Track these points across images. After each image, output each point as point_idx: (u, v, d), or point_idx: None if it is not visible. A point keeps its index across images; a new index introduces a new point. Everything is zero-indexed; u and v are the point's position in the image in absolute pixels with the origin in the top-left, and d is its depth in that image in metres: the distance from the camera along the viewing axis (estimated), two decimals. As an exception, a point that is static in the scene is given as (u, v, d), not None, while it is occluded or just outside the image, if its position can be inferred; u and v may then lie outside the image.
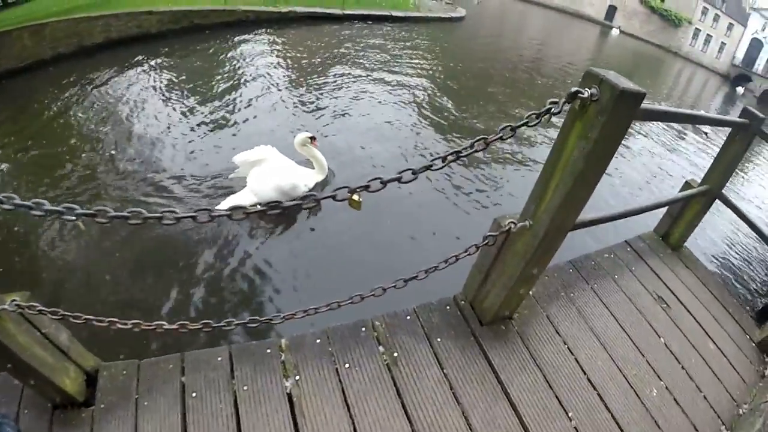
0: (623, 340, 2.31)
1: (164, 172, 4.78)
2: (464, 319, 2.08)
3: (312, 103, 7.15)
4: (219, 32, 9.97)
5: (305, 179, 4.77)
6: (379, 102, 7.60)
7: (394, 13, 14.51)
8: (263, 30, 10.68)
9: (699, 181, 3.05)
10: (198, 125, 5.91)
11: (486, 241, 1.66)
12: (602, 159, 1.48)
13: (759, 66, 41.96)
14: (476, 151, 1.29)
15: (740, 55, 42.49)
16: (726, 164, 2.84)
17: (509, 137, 1.31)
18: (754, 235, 3.13)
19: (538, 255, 1.71)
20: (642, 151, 8.74)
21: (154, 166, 4.89)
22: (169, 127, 5.74)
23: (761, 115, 2.61)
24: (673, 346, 2.42)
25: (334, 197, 1.16)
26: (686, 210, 3.13)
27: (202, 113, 6.26)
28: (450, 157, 1.28)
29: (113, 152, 5.10)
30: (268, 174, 4.47)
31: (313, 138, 4.82)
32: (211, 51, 9.05)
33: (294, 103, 7.04)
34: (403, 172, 1.22)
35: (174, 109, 6.29)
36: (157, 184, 4.58)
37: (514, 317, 2.13)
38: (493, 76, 11.29)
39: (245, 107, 6.63)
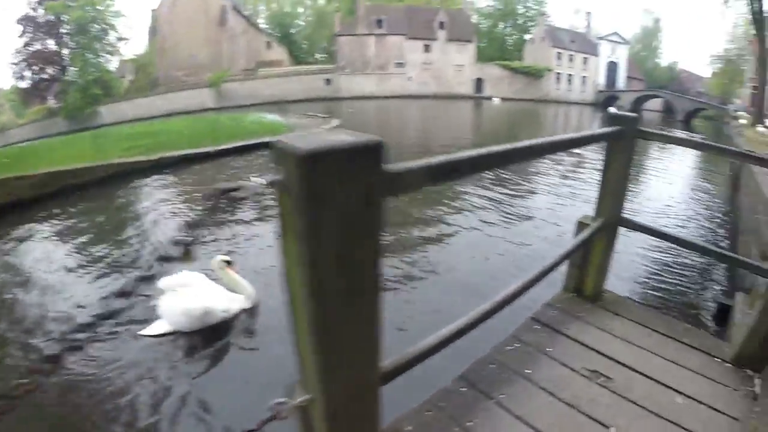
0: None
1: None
2: None
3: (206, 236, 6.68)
4: (95, 190, 9.51)
5: (225, 304, 4.45)
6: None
7: (267, 139, 14.21)
8: (140, 180, 10.17)
9: (592, 214, 2.65)
10: (101, 278, 5.54)
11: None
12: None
13: (620, 83, 47.85)
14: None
15: (602, 80, 48.21)
16: (615, 186, 2.47)
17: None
18: (665, 245, 2.85)
19: None
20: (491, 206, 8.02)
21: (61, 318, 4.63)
22: (66, 288, 5.35)
23: (631, 114, 2.33)
24: (631, 428, 1.79)
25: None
26: (591, 253, 2.70)
27: (99, 266, 5.87)
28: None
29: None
30: (180, 298, 4.25)
31: (228, 262, 4.62)
32: (90, 209, 8.61)
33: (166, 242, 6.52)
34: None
35: (66, 269, 5.87)
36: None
37: None
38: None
39: (142, 253, 6.19)
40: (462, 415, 1.81)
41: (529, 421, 1.81)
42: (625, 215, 2.63)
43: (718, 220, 8.04)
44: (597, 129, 2.46)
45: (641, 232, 2.77)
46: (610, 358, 2.22)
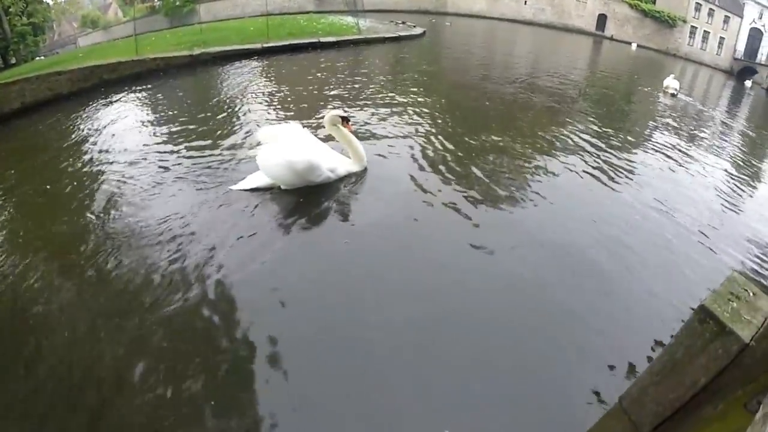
0: None
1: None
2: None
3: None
4: (130, 84, 9.23)
5: (332, 163, 3.97)
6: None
7: (323, 39, 13.11)
8: (177, 76, 9.71)
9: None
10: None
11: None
12: None
13: (762, 56, 40.21)
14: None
15: (741, 47, 40.76)
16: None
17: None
18: None
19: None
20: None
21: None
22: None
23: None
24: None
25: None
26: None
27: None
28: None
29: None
30: (283, 149, 3.73)
31: (345, 119, 4.01)
32: (125, 101, 8.38)
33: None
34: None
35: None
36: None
37: None
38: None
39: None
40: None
41: None
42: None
43: None
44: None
45: None
46: None
